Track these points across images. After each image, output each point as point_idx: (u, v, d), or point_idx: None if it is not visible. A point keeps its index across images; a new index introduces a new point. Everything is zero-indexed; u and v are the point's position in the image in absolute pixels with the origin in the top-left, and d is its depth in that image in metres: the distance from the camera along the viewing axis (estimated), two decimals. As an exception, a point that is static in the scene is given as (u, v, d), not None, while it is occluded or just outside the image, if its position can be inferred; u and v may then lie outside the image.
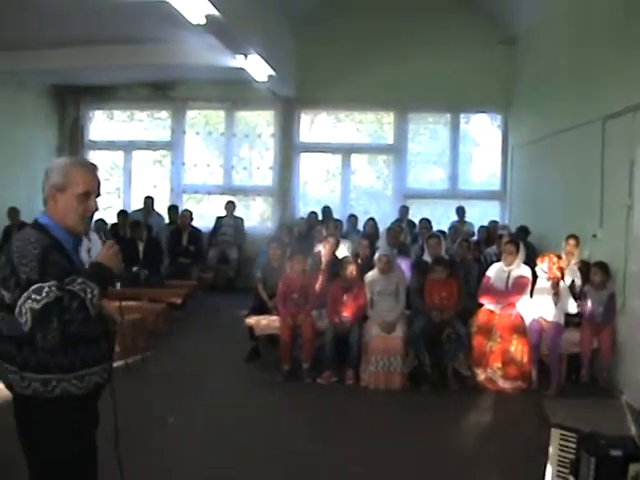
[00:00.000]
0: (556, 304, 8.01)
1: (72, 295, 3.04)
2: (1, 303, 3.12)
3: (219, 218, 14.55)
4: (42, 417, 3.16)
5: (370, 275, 8.53)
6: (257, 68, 11.58)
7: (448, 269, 8.40)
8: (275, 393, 7.92)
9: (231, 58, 11.16)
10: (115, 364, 3.50)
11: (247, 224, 14.87)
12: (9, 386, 3.18)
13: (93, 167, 3.42)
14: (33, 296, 2.96)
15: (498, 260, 8.98)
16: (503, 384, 7.93)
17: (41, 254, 3.07)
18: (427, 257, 9.08)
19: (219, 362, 8.98)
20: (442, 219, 13.96)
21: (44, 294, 2.97)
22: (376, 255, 8.62)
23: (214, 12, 8.34)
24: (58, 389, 3.13)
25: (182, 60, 12.10)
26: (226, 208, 14.54)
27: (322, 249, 9.53)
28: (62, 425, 3.19)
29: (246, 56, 10.89)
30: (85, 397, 3.26)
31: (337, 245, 9.74)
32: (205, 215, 15.35)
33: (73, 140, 16.08)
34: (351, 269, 8.47)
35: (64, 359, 3.13)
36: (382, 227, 12.27)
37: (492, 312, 8.21)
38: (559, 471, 4.00)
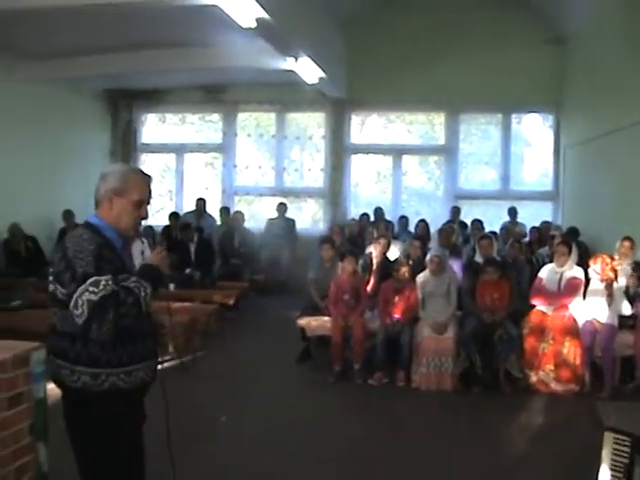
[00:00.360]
0: (610, 306, 7.90)
1: (128, 291, 3.16)
2: (54, 299, 3.22)
3: (271, 220, 14.63)
4: (91, 410, 3.23)
5: (422, 276, 8.51)
6: (307, 70, 11.65)
7: (500, 270, 8.34)
8: (326, 394, 7.93)
9: (281, 61, 11.24)
10: (168, 364, 3.56)
11: (298, 226, 14.89)
12: (60, 383, 3.25)
13: (148, 178, 3.53)
14: (90, 288, 3.05)
15: (550, 261, 8.90)
16: (555, 386, 7.85)
17: (96, 249, 3.18)
18: (479, 258, 9.03)
19: (271, 363, 9.03)
20: (494, 220, 13.86)
21: (101, 287, 3.07)
22: (428, 256, 8.61)
23: (264, 15, 8.39)
24: (107, 383, 3.21)
25: (233, 63, 12.21)
26: (277, 210, 14.60)
27: (373, 250, 9.54)
28: (111, 419, 3.26)
29: (296, 58, 10.97)
30: (132, 392, 3.35)
31: (388, 246, 9.74)
32: (256, 217, 15.47)
33: (126, 143, 16.35)
34: (403, 270, 8.47)
35: (113, 354, 3.22)
36: (433, 228, 12.26)
37: (544, 313, 8.12)
38: (613, 475, 3.97)
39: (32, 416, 3.31)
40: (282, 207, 14.62)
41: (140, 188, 3.42)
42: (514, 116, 15.14)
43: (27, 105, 12.67)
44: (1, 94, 12.03)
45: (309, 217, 16.09)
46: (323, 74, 12.05)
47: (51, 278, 3.22)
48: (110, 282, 3.12)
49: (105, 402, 3.23)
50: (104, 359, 3.19)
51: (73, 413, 3.27)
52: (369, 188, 15.91)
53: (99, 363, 3.18)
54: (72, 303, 3.05)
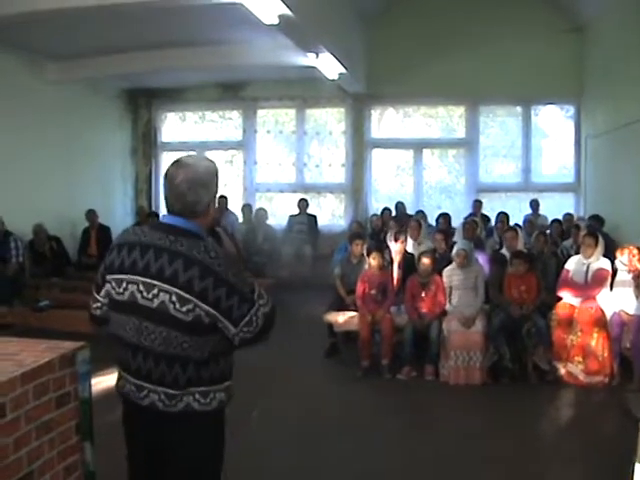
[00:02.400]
0: (637, 297, 7.83)
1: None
2: (195, 327, 2.97)
3: (292, 216, 14.68)
4: (221, 424, 3.21)
5: (448, 270, 8.52)
6: (328, 66, 11.63)
7: (527, 263, 8.33)
8: (355, 389, 7.95)
9: (302, 57, 11.25)
10: None
11: (319, 222, 14.91)
12: (186, 412, 3.04)
13: None
14: (261, 302, 3.02)
15: (576, 253, 8.89)
16: (584, 378, 7.83)
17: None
18: (505, 251, 9.03)
19: (298, 358, 9.07)
20: (514, 212, 13.81)
21: (264, 295, 3.06)
22: (454, 250, 8.60)
23: (287, 12, 8.39)
24: (230, 394, 3.18)
25: (253, 60, 12.24)
26: (299, 206, 14.62)
27: (393, 245, 9.48)
28: (223, 426, 3.25)
29: (317, 54, 10.95)
30: None
31: (406, 241, 9.66)
32: (277, 213, 15.51)
33: (146, 142, 16.46)
34: (424, 261, 8.48)
35: (232, 361, 3.20)
36: (455, 222, 12.26)
37: (572, 306, 8.10)
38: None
39: (78, 416, 3.35)
40: (303, 203, 14.64)
41: None
42: (534, 107, 15.06)
43: (50, 106, 12.80)
44: (27, 96, 12.18)
45: (329, 213, 16.07)
46: (344, 69, 12.02)
47: (190, 306, 2.92)
48: (262, 288, 3.09)
49: (223, 413, 3.22)
50: (227, 370, 3.16)
51: (203, 436, 3.13)
52: (389, 183, 15.88)
53: (226, 376, 3.15)
54: (243, 323, 2.97)
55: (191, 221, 3.06)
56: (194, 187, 3.02)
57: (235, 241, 3.43)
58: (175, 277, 2.92)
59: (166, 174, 3.11)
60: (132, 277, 3.02)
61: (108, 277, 3.12)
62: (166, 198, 3.11)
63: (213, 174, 3.11)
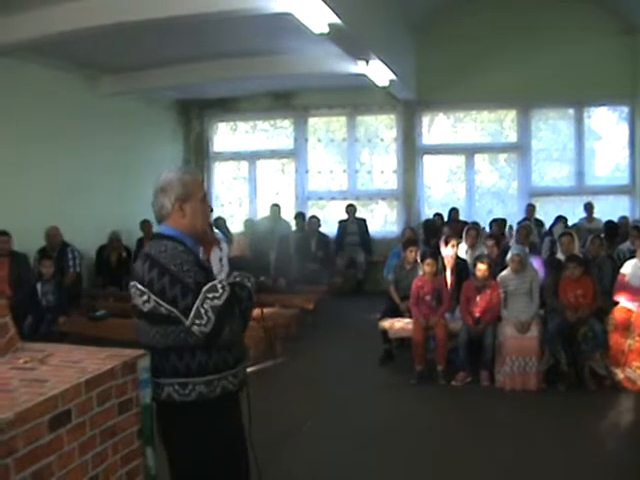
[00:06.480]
0: (697, 301, 7.76)
1: (240, 286, 3.29)
2: (153, 317, 3.20)
3: (342, 222, 14.76)
4: (208, 418, 3.28)
5: (503, 275, 8.45)
6: (378, 73, 11.65)
7: (582, 266, 8.23)
8: (410, 396, 7.93)
9: (352, 64, 11.29)
10: (251, 369, 3.61)
11: (371, 228, 14.94)
12: (166, 401, 3.30)
13: (198, 172, 3.60)
14: (210, 295, 3.09)
15: (632, 257, 8.78)
16: (643, 384, 7.73)
17: (195, 259, 3.25)
18: (560, 255, 8.94)
19: (352, 365, 9.09)
20: (568, 216, 13.64)
21: (220, 290, 3.12)
22: (509, 255, 8.54)
23: (336, 21, 8.42)
24: (219, 388, 3.26)
25: (304, 69, 12.30)
26: (347, 211, 14.73)
27: (445, 250, 9.42)
28: (225, 421, 3.36)
29: (367, 62, 10.99)
30: (237, 392, 3.43)
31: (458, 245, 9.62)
32: (329, 221, 15.49)
33: (198, 152, 16.61)
34: (480, 268, 8.44)
35: (219, 358, 3.27)
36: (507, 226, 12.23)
37: (629, 310, 7.96)
38: None
39: (140, 421, 3.41)
40: (351, 209, 14.75)
41: (199, 185, 3.46)
42: (587, 110, 14.88)
43: (104, 118, 13.01)
44: (82, 108, 12.44)
45: (382, 219, 16.06)
46: (393, 76, 12.03)
47: (145, 297, 3.19)
48: (224, 283, 3.17)
49: (219, 407, 3.29)
50: (212, 365, 3.23)
51: (186, 427, 3.30)
52: (441, 188, 15.83)
53: (209, 370, 3.22)
54: (192, 315, 3.08)
55: (165, 225, 3.40)
56: (156, 194, 3.42)
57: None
58: (140, 274, 3.25)
59: None
60: (132, 282, 3.35)
61: None
62: None
63: (171, 180, 3.40)
